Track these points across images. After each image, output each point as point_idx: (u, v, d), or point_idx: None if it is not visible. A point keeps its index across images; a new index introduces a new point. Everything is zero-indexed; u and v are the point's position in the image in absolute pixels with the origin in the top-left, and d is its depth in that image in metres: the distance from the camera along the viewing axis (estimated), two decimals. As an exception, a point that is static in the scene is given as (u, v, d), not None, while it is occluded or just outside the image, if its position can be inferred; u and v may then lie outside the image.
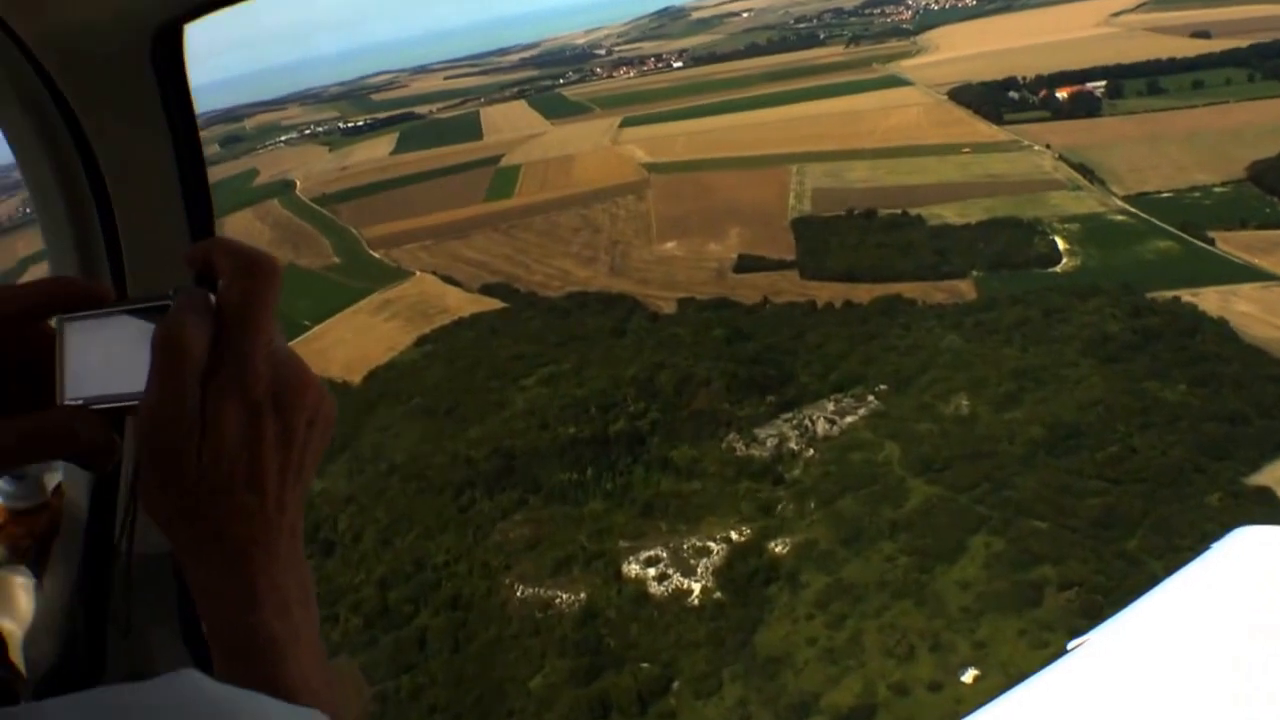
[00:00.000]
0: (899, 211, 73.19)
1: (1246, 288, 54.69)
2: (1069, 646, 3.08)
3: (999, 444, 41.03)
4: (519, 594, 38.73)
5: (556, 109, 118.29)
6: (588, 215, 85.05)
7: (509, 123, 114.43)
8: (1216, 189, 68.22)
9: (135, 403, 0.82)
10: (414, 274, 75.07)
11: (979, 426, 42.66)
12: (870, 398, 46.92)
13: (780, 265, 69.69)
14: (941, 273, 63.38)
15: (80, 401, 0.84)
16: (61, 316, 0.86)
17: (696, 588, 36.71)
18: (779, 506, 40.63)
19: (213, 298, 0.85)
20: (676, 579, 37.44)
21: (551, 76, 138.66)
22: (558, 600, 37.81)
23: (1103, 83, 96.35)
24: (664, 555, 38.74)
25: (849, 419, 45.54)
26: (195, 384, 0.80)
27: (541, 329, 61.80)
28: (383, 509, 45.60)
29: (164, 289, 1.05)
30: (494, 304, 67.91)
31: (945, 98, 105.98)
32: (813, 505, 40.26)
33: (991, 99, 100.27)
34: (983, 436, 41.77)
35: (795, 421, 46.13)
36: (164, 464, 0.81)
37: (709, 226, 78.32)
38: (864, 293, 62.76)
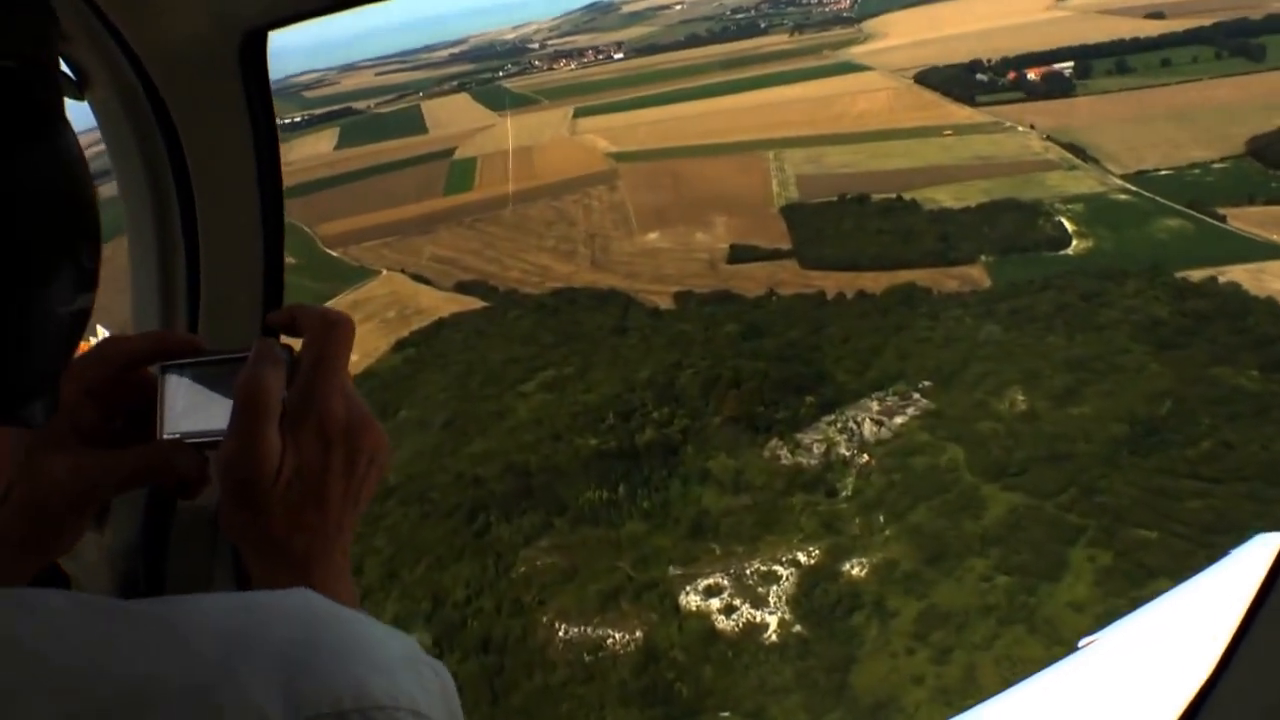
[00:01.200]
0: (893, 196, 69.62)
1: (1275, 265, 52.23)
2: (1079, 645, 3.01)
3: (1075, 443, 37.29)
4: (562, 634, 33.61)
5: (502, 101, 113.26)
6: (559, 207, 79.74)
7: (454, 116, 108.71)
8: (1216, 165, 66.11)
9: (220, 438, 0.94)
10: (380, 273, 68.86)
11: (1045, 424, 38.90)
12: (916, 395, 42.86)
13: (777, 255, 65.48)
14: (949, 259, 59.85)
15: (176, 436, 0.97)
16: (162, 364, 1.00)
17: (772, 621, 32.09)
18: (844, 522, 36.26)
19: (294, 349, 0.98)
20: (746, 611, 32.78)
21: (490, 70, 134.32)
22: (610, 641, 32.82)
23: (1070, 64, 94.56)
24: (725, 583, 34.05)
25: (898, 419, 41.41)
26: (271, 423, 0.93)
27: (534, 329, 56.44)
28: (383, 537, 39.90)
29: (236, 283, 1.60)
30: (473, 303, 62.23)
31: (911, 81, 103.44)
32: (882, 519, 35.99)
33: (960, 82, 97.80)
34: (1054, 435, 38.00)
35: (839, 424, 41.84)
36: (239, 489, 0.93)
37: (692, 216, 73.76)
38: (870, 281, 58.91)
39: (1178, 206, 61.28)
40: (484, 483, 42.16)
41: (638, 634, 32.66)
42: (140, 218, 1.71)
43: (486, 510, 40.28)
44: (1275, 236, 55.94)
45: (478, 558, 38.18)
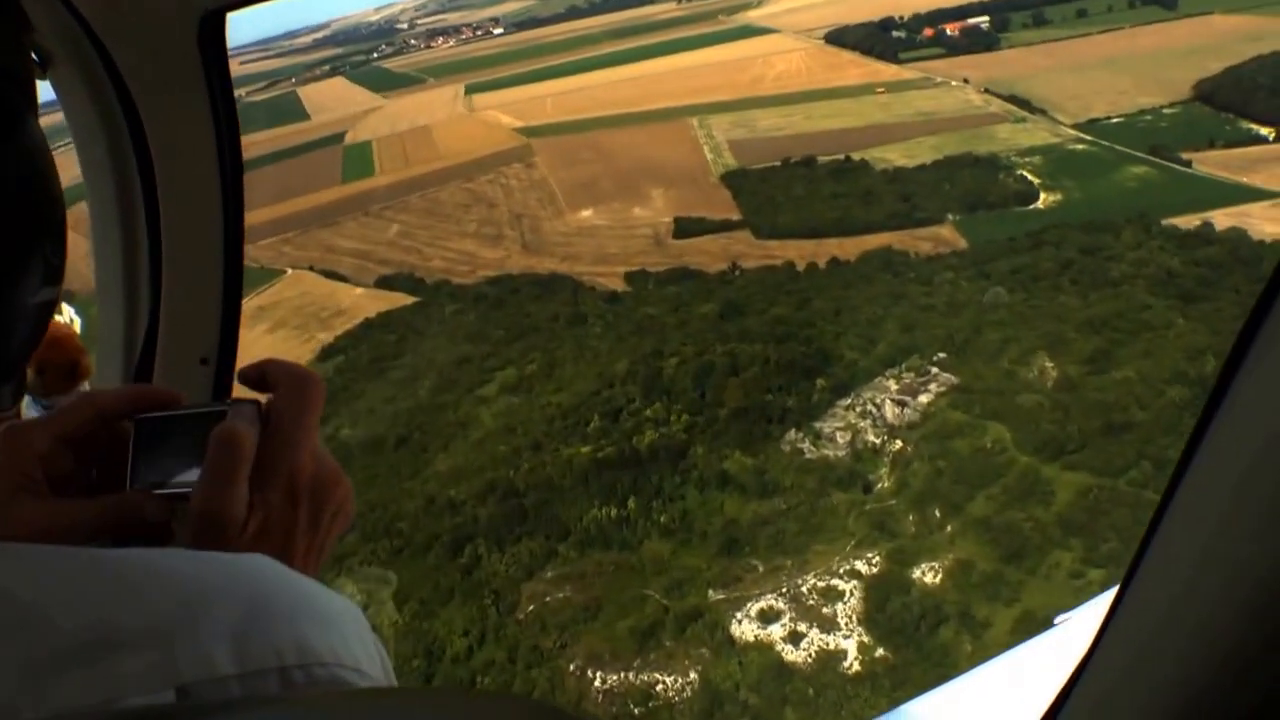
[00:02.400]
0: (842, 157, 66.41)
1: (1256, 208, 51.15)
2: (1055, 621, 2.96)
3: (1129, 411, 34.40)
4: (599, 683, 28.57)
5: (384, 82, 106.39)
6: (473, 189, 73.59)
7: (335, 100, 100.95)
8: (1167, 111, 65.33)
9: (189, 490, 0.97)
10: (285, 272, 61.44)
11: (1090, 392, 35.94)
12: (934, 369, 39.39)
13: (727, 226, 61.33)
14: (916, 220, 56.92)
15: (146, 487, 0.99)
16: (136, 416, 1.02)
17: (849, 646, 27.86)
18: (897, 520, 32.37)
19: (261, 404, 1.01)
20: (815, 636, 28.46)
21: (362, 52, 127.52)
22: (660, 686, 27.98)
23: (985, 18, 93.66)
24: (782, 605, 29.65)
25: (923, 398, 37.83)
26: (242, 475, 0.94)
27: (479, 323, 50.67)
28: (351, 582, 33.97)
29: (197, 255, 1.69)
30: (401, 299, 55.84)
31: (822, 42, 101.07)
32: (939, 514, 32.26)
33: (875, 39, 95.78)
34: (1103, 404, 35.05)
35: (859, 408, 37.98)
36: (205, 539, 0.94)
37: (625, 190, 68.89)
38: (836, 248, 55.44)
39: (1139, 154, 59.96)
40: (462, 507, 36.57)
41: (692, 675, 27.94)
42: (102, 192, 1.69)
43: (472, 540, 34.76)
44: (1244, 179, 55.01)
45: (472, 598, 32.69)
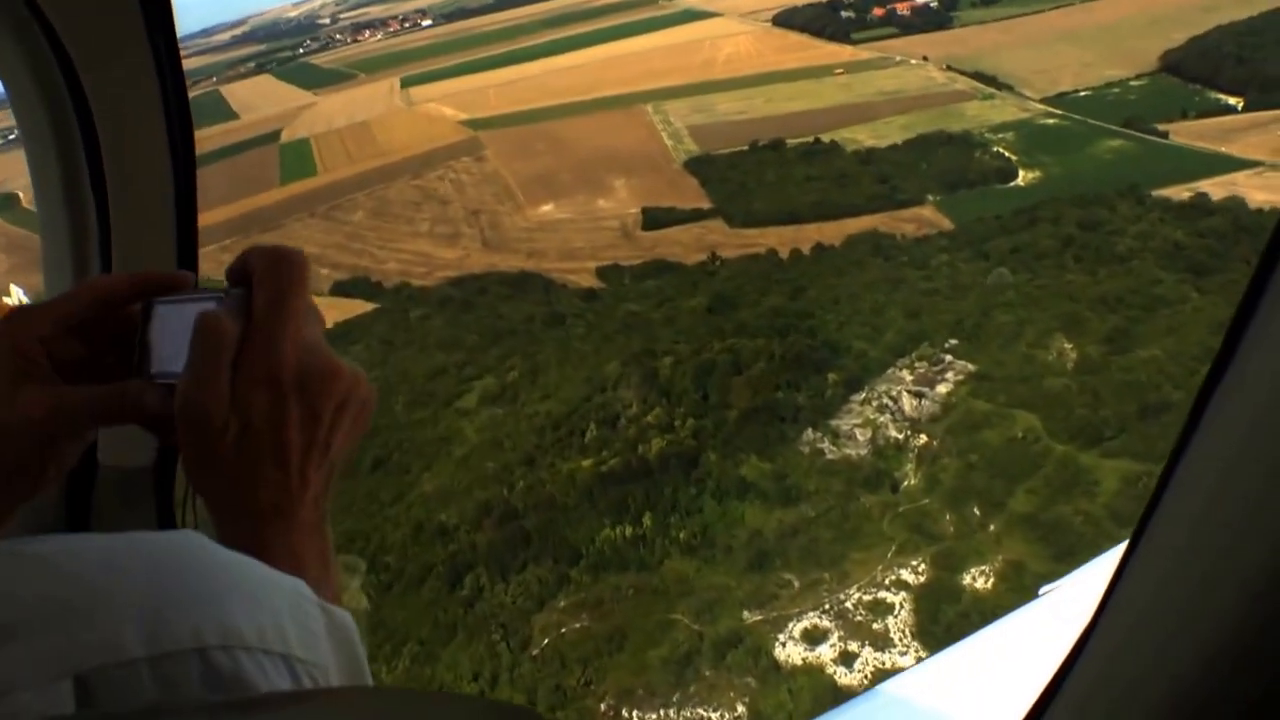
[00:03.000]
0: (810, 139, 64.60)
1: (1240, 176, 50.60)
2: (1040, 593, 2.97)
3: (1163, 391, 32.89)
4: (635, 725, 26.01)
5: (313, 79, 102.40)
6: (423, 185, 70.20)
7: (263, 98, 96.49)
8: (1134, 83, 64.88)
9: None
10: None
11: (1117, 373, 34.38)
12: (947, 356, 37.56)
13: (699, 215, 59.08)
14: (897, 201, 55.40)
15: (150, 376, 0.96)
16: (145, 301, 0.99)
17: (908, 664, 25.66)
18: (935, 521, 30.34)
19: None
20: (869, 656, 26.24)
21: (287, 48, 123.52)
22: (706, 723, 25.53)
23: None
24: (827, 623, 27.37)
25: (941, 388, 35.94)
26: (225, 368, 0.89)
27: (449, 329, 47.55)
28: (338, 625, 30.67)
29: (151, 236, 1.63)
30: (359, 306, 52.34)
31: (769, 24, 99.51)
32: (978, 512, 30.32)
33: (824, 20, 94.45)
34: (1134, 385, 33.51)
35: (875, 402, 35.95)
36: (196, 435, 0.90)
37: (585, 181, 66.18)
38: (816, 233, 53.63)
39: (1113, 127, 59.22)
40: (454, 533, 33.59)
41: (739, 709, 25.49)
42: (46, 167, 1.68)
43: (471, 569, 31.82)
44: (1222, 148, 54.51)
45: (478, 635, 29.78)
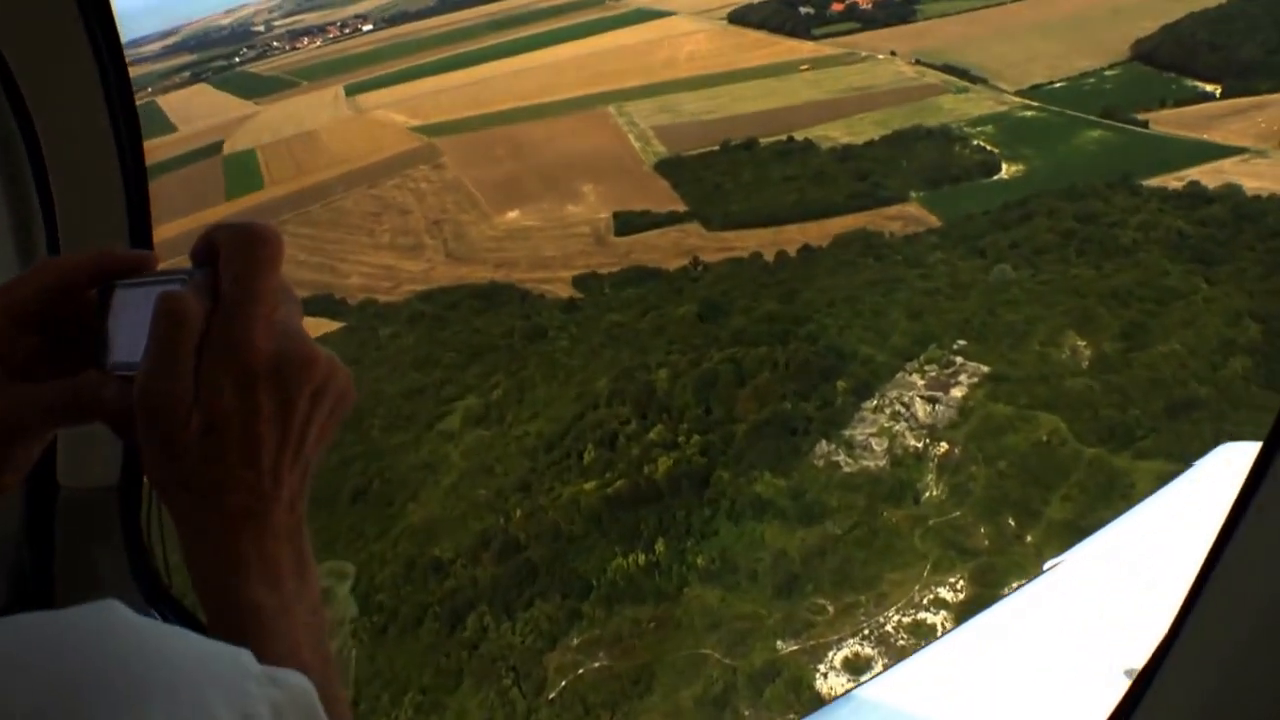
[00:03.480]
0: (784, 138, 63.43)
1: (1228, 163, 50.44)
2: (1045, 568, 3.07)
3: (1189, 388, 32.06)
4: (670, 773, 24.24)
5: (253, 87, 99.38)
6: (380, 195, 67.74)
7: (201, 108, 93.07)
8: (1108, 73, 64.81)
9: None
10: (177, 304, 54.52)
11: (1139, 370, 33.50)
12: (958, 358, 36.43)
13: (675, 218, 57.49)
14: (880, 199, 54.37)
15: (109, 366, 0.88)
16: (102, 285, 0.91)
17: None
18: (968, 535, 29.04)
19: None
20: (918, 686, 24.76)
21: (222, 57, 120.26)
22: (749, 768, 23.85)
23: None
24: (869, 650, 25.88)
25: (956, 392, 34.77)
26: (188, 355, 0.81)
27: (424, 347, 45.37)
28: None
29: (92, 215, 1.59)
30: (323, 324, 49.74)
31: (725, 22, 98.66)
32: (1013, 522, 29.10)
33: (782, 16, 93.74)
34: (1158, 382, 32.63)
35: (888, 409, 34.64)
36: (156, 430, 0.82)
37: (550, 186, 64.29)
38: (799, 234, 52.41)
39: (1092, 117, 58.95)
40: (450, 568, 31.54)
41: (783, 749, 23.91)
42: None
43: (473, 607, 29.81)
44: (1205, 135, 54.42)
45: (487, 679, 27.80)
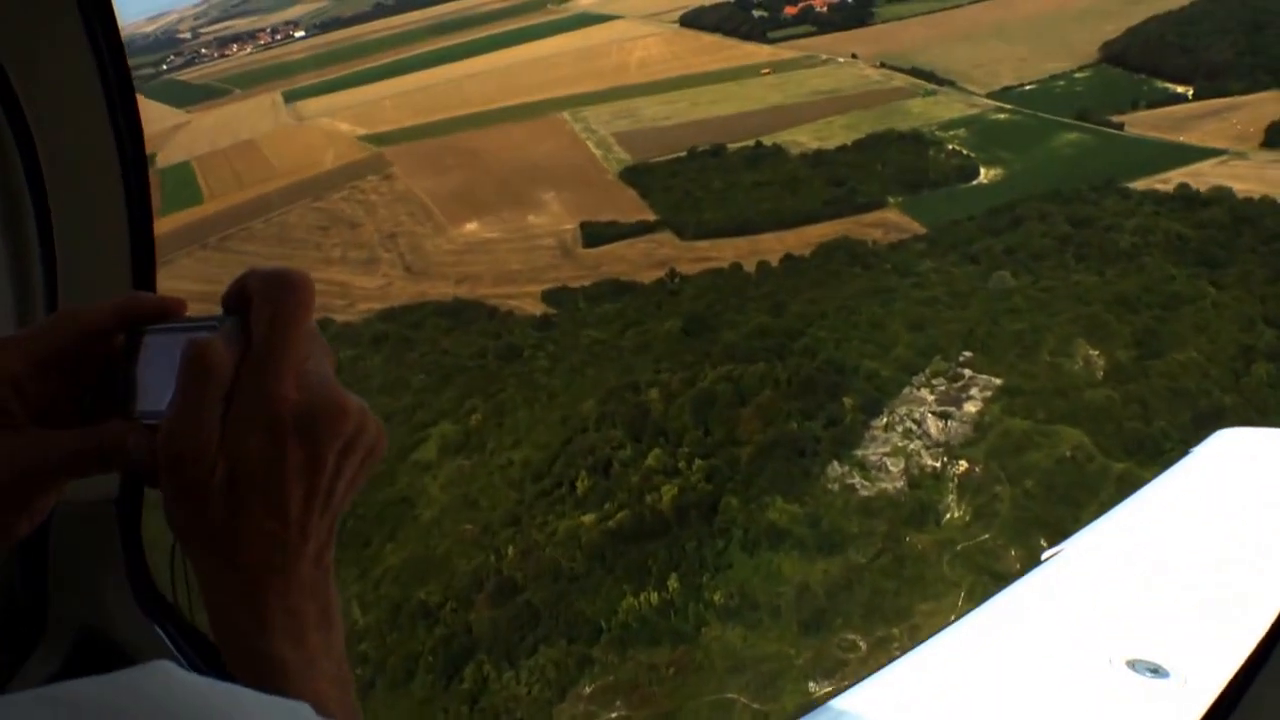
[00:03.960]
0: (752, 143, 62.27)
1: (1206, 165, 50.48)
2: (1043, 557, 3.05)
3: (1213, 397, 31.27)
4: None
5: (182, 96, 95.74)
6: (326, 208, 64.94)
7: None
8: (1078, 75, 64.90)
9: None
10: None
11: (1158, 380, 32.65)
12: (966, 371, 35.30)
13: (644, 228, 55.89)
14: (856, 205, 53.40)
15: (135, 415, 0.88)
16: (128, 331, 0.90)
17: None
18: (999, 559, 27.71)
19: None
20: (971, 729, 23.25)
21: (148, 65, 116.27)
22: (792, 830, 22.04)
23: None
24: (912, 692, 24.28)
25: (970, 406, 33.60)
26: (216, 404, 0.81)
27: (390, 369, 42.94)
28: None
29: (100, 243, 1.54)
30: (275, 349, 47.06)
31: (676, 26, 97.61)
32: (1044, 543, 27.70)
33: (738, 19, 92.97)
34: (1181, 391, 31.81)
35: (900, 427, 33.31)
36: (180, 481, 0.82)
37: (509, 196, 62.22)
38: (776, 243, 51.17)
39: (1067, 120, 58.81)
40: (440, 613, 29.28)
41: (831, 808, 22.08)
42: None
43: (470, 655, 27.61)
44: (1181, 138, 54.53)
45: (491, 736, 25.64)
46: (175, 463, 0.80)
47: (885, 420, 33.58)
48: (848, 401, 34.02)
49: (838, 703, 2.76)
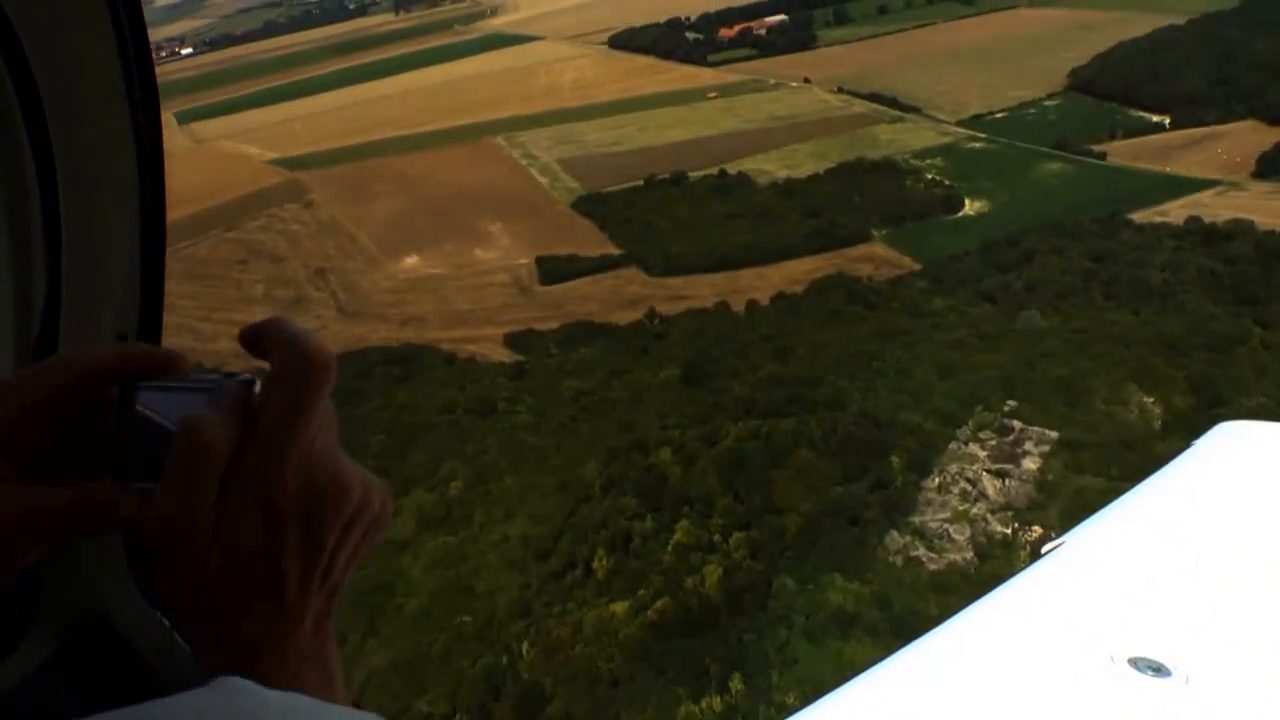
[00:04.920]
0: (715, 171, 59.70)
1: (1205, 196, 50.05)
2: (1042, 550, 3.06)
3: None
4: None
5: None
6: (242, 239, 59.77)
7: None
8: (1047, 102, 64.53)
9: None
10: None
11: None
12: (1016, 422, 32.86)
13: (608, 263, 52.60)
14: (839, 238, 51.24)
15: (125, 479, 0.85)
16: (122, 386, 0.87)
17: None
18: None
19: (256, 386, 0.84)
20: None
21: None
22: None
23: (782, 16, 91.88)
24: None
25: (1029, 463, 31.08)
26: (210, 486, 0.79)
27: (341, 428, 37.77)
28: None
29: (107, 207, 1.44)
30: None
31: (605, 47, 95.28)
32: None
33: (675, 42, 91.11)
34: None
35: (956, 488, 30.53)
36: (172, 559, 0.80)
37: (449, 226, 58.19)
38: (757, 279, 48.59)
39: (1045, 149, 58.06)
40: (449, 730, 24.91)
41: None
42: None
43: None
44: (1167, 168, 54.19)
45: None
46: (167, 544, 0.79)
47: (937, 480, 30.74)
48: (895, 460, 31.07)
49: (834, 697, 2.63)
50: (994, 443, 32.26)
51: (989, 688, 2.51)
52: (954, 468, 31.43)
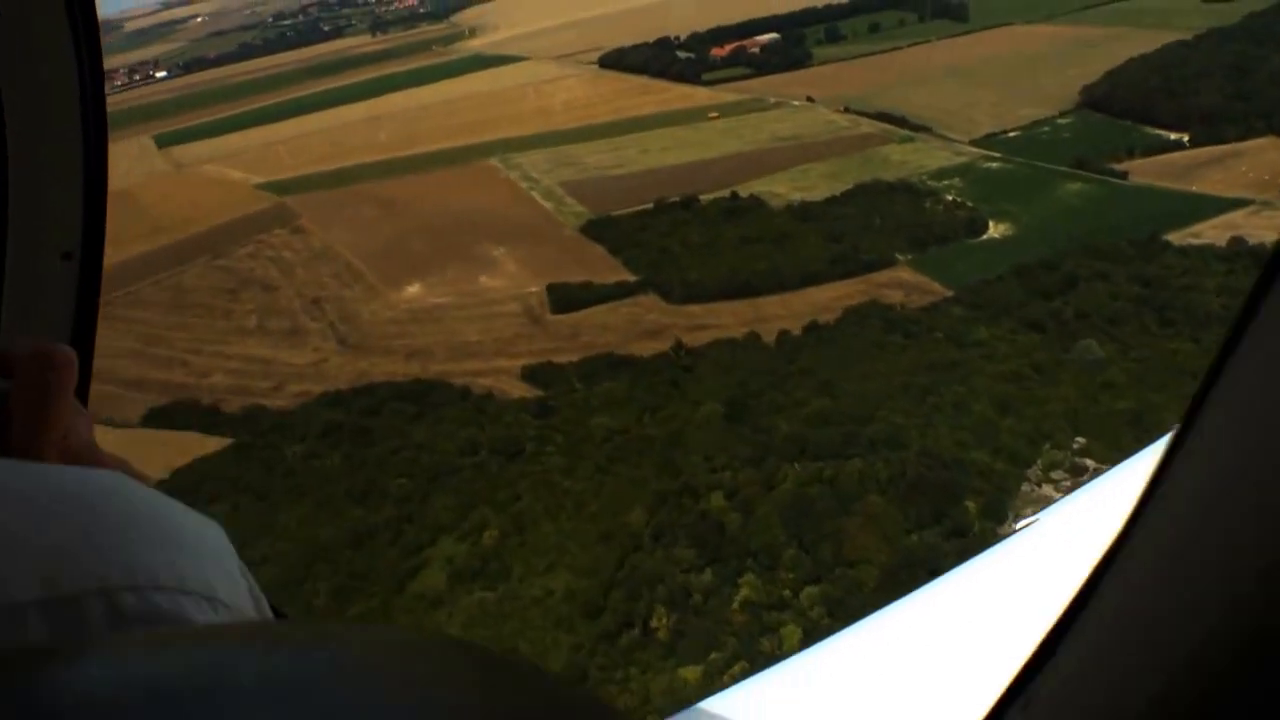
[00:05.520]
0: (727, 194, 57.71)
1: (1239, 215, 48.71)
2: (1016, 527, 3.04)
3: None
4: None
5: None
6: (231, 266, 56.92)
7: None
8: (1061, 120, 63.23)
9: None
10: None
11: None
12: (1088, 461, 30.98)
13: (624, 290, 50.25)
14: (863, 263, 49.29)
15: None
16: None
17: None
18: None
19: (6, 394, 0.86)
20: None
21: None
22: None
23: (774, 34, 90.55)
24: None
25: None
26: None
27: (354, 471, 35.57)
28: None
29: (53, 134, 1.55)
30: (194, 441, 38.84)
31: (595, 67, 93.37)
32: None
33: (667, 61, 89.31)
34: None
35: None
36: None
37: (450, 252, 55.72)
38: (780, 307, 46.52)
39: (1065, 169, 56.61)
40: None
41: None
42: None
43: None
44: (1194, 187, 52.88)
45: None
46: None
47: (1020, 527, 28.61)
48: (970, 505, 29.00)
49: (781, 667, 2.58)
50: (1068, 484, 30.30)
51: (945, 664, 2.38)
52: (1028, 511, 29.38)
